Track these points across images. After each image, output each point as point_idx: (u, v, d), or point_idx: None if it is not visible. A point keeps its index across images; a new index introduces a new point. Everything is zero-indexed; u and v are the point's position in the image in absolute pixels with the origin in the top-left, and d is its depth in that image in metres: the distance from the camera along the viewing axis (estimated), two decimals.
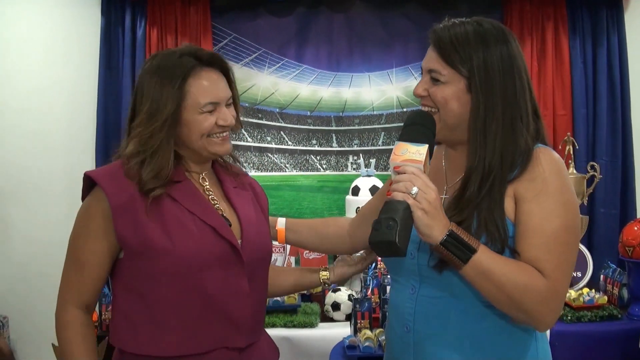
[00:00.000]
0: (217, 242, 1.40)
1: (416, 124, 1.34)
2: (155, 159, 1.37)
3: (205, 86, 1.42)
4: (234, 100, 1.51)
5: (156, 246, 1.35)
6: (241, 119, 1.56)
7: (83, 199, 1.45)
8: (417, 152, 1.26)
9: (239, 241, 1.44)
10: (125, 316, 1.42)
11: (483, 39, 1.36)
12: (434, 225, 1.24)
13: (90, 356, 1.42)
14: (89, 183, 1.43)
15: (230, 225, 1.45)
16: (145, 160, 1.38)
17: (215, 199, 1.50)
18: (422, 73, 1.44)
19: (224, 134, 1.46)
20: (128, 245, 1.38)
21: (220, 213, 1.47)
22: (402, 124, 1.42)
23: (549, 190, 1.32)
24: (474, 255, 1.25)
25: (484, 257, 1.26)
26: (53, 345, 2.52)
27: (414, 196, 1.22)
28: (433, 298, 1.38)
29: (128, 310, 1.41)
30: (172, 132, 1.40)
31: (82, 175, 1.43)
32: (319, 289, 2.89)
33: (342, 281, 2.98)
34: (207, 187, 1.50)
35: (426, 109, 1.40)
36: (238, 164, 1.64)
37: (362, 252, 1.75)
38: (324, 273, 1.72)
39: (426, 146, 1.27)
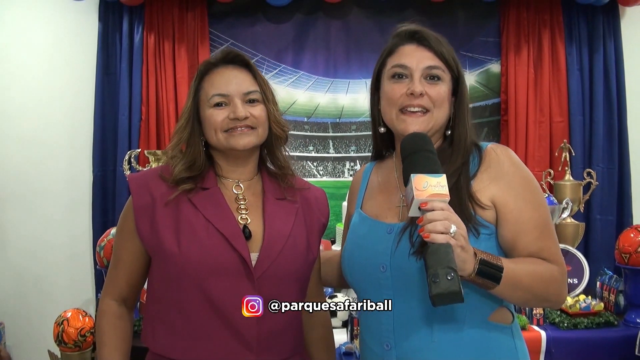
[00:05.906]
0: (226, 251, 1.37)
1: (422, 151, 1.26)
2: (187, 152, 1.45)
3: (215, 80, 1.46)
4: (265, 97, 1.47)
5: (165, 248, 1.38)
6: None
7: None
8: (438, 184, 1.18)
9: (256, 254, 1.39)
10: (147, 314, 1.47)
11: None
12: (468, 258, 1.21)
13: (118, 344, 1.45)
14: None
15: (249, 237, 1.41)
16: (181, 156, 1.45)
17: (245, 209, 1.46)
18: (404, 75, 1.42)
19: (241, 128, 1.43)
20: (146, 245, 1.42)
21: (244, 223, 1.42)
22: None
23: (521, 183, 1.38)
24: (503, 272, 1.25)
25: (510, 270, 1.26)
26: (49, 351, 2.51)
27: (453, 235, 1.16)
28: (411, 309, 1.36)
29: (148, 308, 1.47)
30: (197, 127, 1.46)
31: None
32: None
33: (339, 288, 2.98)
34: (241, 195, 1.47)
35: (416, 109, 1.40)
36: (291, 172, 1.54)
37: None
38: None
39: (444, 176, 1.20)
